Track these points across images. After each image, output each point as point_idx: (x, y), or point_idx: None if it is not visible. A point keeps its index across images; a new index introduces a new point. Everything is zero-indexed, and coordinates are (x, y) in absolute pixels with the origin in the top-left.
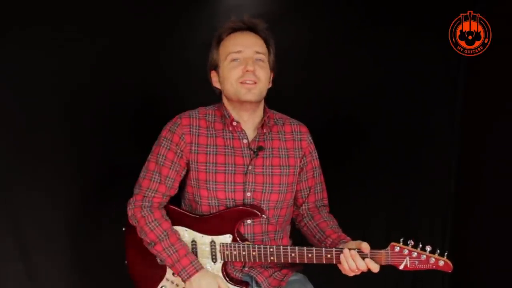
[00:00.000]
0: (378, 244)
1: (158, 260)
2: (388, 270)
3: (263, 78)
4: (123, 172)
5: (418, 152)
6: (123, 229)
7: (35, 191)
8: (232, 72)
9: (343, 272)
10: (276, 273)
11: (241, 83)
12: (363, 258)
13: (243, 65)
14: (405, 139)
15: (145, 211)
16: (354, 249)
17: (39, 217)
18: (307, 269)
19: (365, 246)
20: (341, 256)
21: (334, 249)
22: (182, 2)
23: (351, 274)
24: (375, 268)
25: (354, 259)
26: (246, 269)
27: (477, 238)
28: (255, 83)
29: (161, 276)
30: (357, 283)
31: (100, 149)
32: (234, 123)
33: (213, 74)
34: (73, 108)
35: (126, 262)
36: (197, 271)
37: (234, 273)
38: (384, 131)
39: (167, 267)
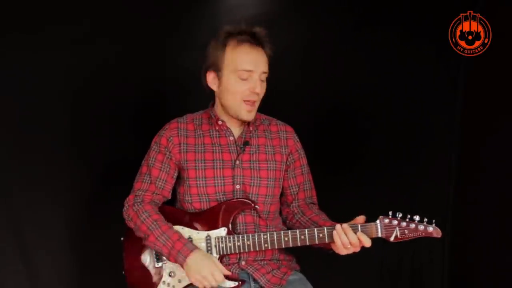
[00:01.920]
0: (377, 242)
1: (155, 258)
2: (387, 269)
3: (262, 94)
4: (123, 172)
5: (418, 152)
6: (122, 239)
7: (35, 191)
8: (239, 90)
9: (336, 251)
10: (275, 271)
11: (244, 101)
12: (355, 232)
13: (251, 85)
14: (405, 139)
15: (136, 206)
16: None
17: (39, 217)
18: (306, 269)
19: (359, 218)
20: (334, 232)
21: (326, 227)
22: (183, 2)
23: (344, 251)
24: (367, 241)
25: (346, 233)
26: (243, 263)
27: (477, 238)
28: (255, 102)
29: (158, 279)
30: (356, 284)
31: (100, 149)
32: (220, 122)
33: (212, 75)
34: (74, 109)
35: (123, 272)
36: (191, 251)
37: (231, 270)
38: (384, 131)
39: (163, 270)
